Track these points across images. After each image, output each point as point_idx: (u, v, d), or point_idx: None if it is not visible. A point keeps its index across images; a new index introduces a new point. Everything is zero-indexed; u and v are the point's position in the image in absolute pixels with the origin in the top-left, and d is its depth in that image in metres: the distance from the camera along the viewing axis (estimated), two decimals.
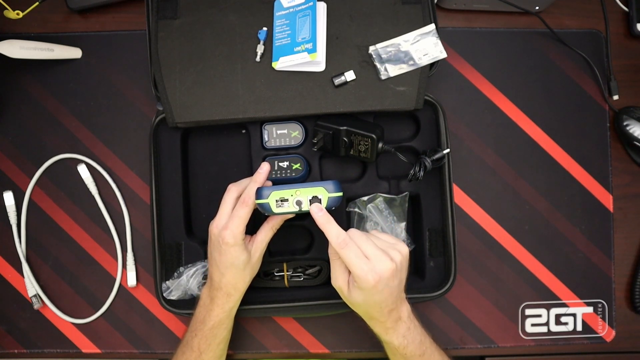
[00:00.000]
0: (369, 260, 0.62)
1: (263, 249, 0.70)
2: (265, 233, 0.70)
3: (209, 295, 0.70)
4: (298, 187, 0.65)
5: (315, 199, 0.65)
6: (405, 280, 0.66)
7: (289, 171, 0.76)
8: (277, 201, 0.65)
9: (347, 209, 0.77)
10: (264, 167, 0.70)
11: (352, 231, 0.64)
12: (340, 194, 0.66)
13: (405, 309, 0.67)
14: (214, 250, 0.68)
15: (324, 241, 0.77)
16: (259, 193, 0.66)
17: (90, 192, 0.81)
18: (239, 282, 0.69)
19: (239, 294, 0.70)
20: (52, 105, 0.82)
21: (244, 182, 0.70)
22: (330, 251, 0.66)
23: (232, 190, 0.69)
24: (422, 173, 0.72)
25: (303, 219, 0.77)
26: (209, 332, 0.70)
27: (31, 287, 0.80)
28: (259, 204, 0.66)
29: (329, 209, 0.66)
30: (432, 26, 0.73)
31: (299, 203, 0.65)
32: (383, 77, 0.73)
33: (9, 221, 0.81)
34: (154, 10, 0.74)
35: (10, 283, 0.81)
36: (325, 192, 0.65)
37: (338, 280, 0.65)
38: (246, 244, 0.68)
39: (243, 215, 0.66)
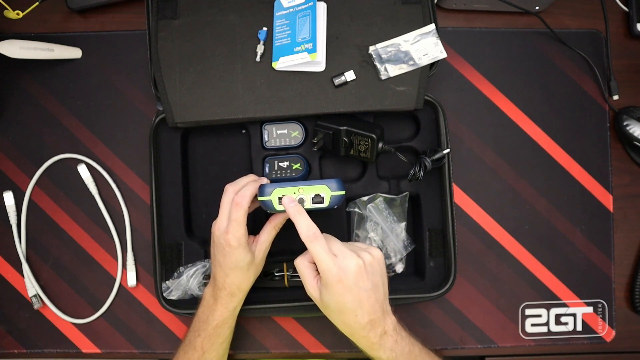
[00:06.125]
0: (336, 256, 0.62)
1: (267, 249, 0.70)
2: (268, 232, 0.69)
3: (212, 295, 0.70)
4: (301, 184, 0.65)
5: (317, 197, 0.65)
6: (386, 290, 0.66)
7: (289, 171, 0.76)
8: (279, 198, 0.65)
9: (347, 209, 0.77)
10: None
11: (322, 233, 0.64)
12: (343, 192, 0.66)
13: (391, 321, 0.66)
14: (217, 252, 0.68)
15: None
16: (261, 190, 0.66)
17: (90, 192, 0.81)
18: (243, 282, 0.69)
19: (243, 294, 0.70)
20: (52, 105, 0.82)
21: (241, 181, 0.70)
22: (297, 261, 0.66)
23: (229, 192, 0.68)
24: (422, 173, 0.72)
25: None
26: (213, 331, 0.70)
27: (31, 287, 0.80)
28: (261, 201, 0.66)
29: (330, 208, 0.66)
30: (432, 26, 0.73)
31: (301, 201, 0.65)
32: (383, 77, 0.73)
33: (9, 221, 0.81)
34: (154, 10, 0.74)
35: (10, 283, 0.81)
36: (327, 191, 0.65)
37: (309, 287, 0.65)
38: (250, 245, 0.68)
39: (239, 218, 0.65)
